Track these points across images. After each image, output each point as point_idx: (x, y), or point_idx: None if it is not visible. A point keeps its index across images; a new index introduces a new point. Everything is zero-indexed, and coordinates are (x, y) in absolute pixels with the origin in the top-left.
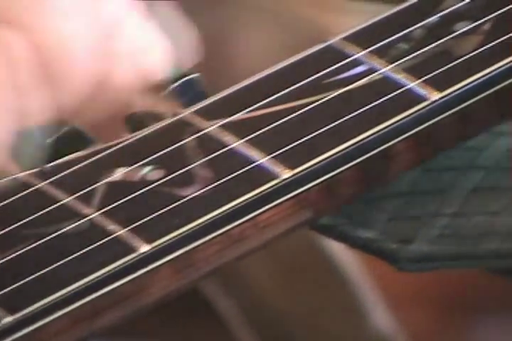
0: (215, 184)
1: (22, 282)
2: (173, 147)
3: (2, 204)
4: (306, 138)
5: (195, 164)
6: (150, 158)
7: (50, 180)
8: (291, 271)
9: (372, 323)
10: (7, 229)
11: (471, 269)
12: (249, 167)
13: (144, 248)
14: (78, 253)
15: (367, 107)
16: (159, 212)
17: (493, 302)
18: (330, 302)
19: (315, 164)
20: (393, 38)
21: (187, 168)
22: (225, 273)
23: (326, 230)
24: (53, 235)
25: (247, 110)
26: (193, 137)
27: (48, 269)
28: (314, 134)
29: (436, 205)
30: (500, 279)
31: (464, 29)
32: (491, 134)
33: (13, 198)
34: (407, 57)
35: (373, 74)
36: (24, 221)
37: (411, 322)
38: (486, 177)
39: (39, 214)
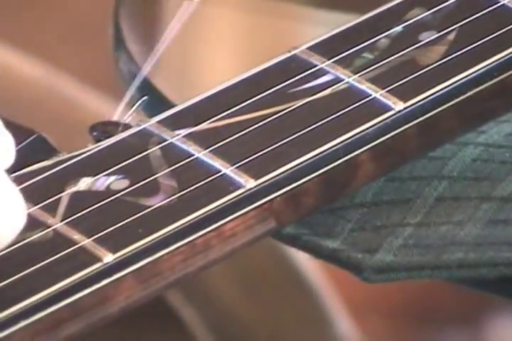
0: (180, 194)
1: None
2: (137, 157)
3: None
4: (270, 148)
5: (160, 174)
6: (114, 168)
7: None
8: (254, 280)
9: (335, 333)
10: None
11: (434, 280)
12: (214, 177)
13: (108, 258)
14: (42, 263)
15: (331, 117)
16: (124, 222)
17: (454, 311)
18: (294, 312)
19: (279, 174)
20: (358, 47)
21: (151, 178)
22: (189, 283)
23: (290, 240)
24: (17, 245)
25: (212, 120)
26: (157, 147)
27: (10, 280)
28: (279, 144)
29: (400, 215)
30: (463, 290)
31: (429, 39)
32: (455, 144)
33: None
34: (372, 67)
35: (338, 84)
36: None
37: (372, 331)
38: (450, 187)
39: None
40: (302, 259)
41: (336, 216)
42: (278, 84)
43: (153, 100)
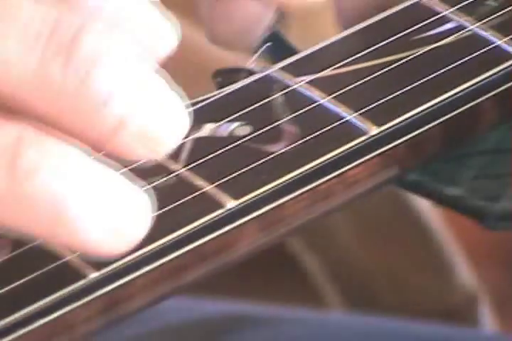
0: (303, 140)
1: None
2: (260, 103)
3: None
4: (393, 95)
5: (283, 120)
6: (238, 114)
7: None
8: (375, 227)
9: (455, 280)
10: None
11: None
12: (337, 123)
13: (231, 204)
14: (165, 209)
15: (454, 64)
16: (246, 168)
17: None
18: (414, 260)
19: (402, 121)
20: None
21: (274, 124)
22: (310, 231)
23: (412, 187)
24: (144, 188)
25: (335, 66)
26: (280, 93)
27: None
28: (401, 91)
29: None
30: None
31: None
32: None
33: None
34: (496, 15)
35: (461, 32)
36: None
37: (490, 278)
38: None
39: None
40: (423, 208)
41: (458, 163)
42: (401, 31)
43: (277, 47)
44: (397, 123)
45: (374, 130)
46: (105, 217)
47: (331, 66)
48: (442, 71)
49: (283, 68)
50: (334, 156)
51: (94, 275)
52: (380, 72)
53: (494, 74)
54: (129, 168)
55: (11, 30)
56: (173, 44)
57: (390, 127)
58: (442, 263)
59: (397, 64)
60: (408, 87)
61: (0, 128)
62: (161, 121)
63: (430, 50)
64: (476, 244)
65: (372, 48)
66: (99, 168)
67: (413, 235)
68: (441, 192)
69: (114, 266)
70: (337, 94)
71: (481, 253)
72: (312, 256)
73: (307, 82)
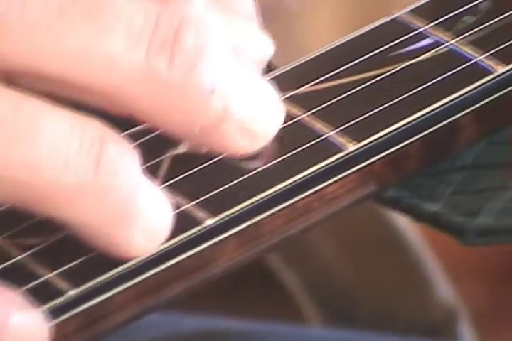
0: (281, 157)
1: (85, 257)
2: None
3: None
4: (371, 111)
5: None
6: None
7: None
8: (355, 243)
9: (435, 296)
10: None
11: None
12: (315, 140)
13: (209, 221)
14: None
15: (432, 80)
16: (225, 185)
17: None
18: (393, 275)
19: (380, 137)
20: (459, 11)
21: None
22: (289, 246)
23: (391, 203)
24: None
25: (313, 83)
26: None
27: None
28: (380, 107)
29: (501, 178)
30: None
31: None
32: None
33: None
34: (473, 31)
35: (439, 48)
36: None
37: (469, 294)
38: None
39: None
40: (402, 222)
41: (437, 179)
42: (379, 48)
43: None
44: (375, 140)
45: (352, 146)
46: (150, 220)
47: (308, 82)
48: (420, 87)
49: None
50: (312, 173)
51: (72, 292)
52: (357, 89)
53: (472, 90)
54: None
55: (116, 25)
56: (270, 51)
57: (367, 143)
58: (422, 279)
59: (375, 80)
60: (386, 103)
61: (83, 127)
62: (261, 113)
63: (407, 66)
64: (456, 259)
65: (350, 64)
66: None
67: (392, 250)
68: (419, 208)
69: (93, 282)
70: (315, 110)
71: (462, 269)
72: (291, 271)
73: (285, 99)
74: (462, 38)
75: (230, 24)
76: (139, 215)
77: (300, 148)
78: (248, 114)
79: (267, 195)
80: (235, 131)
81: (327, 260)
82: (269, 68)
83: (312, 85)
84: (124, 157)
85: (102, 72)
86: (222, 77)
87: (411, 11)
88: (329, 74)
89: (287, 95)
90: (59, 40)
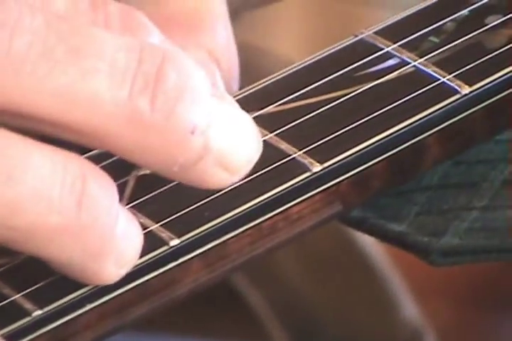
0: (246, 178)
1: (51, 278)
2: None
3: None
4: (337, 132)
5: None
6: None
7: None
8: (320, 263)
9: (400, 315)
10: None
11: (498, 262)
12: (280, 161)
13: (175, 241)
14: None
15: (398, 101)
16: (190, 205)
17: None
18: (359, 296)
19: (345, 158)
20: (424, 31)
21: None
22: (255, 266)
23: (356, 223)
24: None
25: (278, 103)
26: None
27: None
28: (345, 128)
29: (466, 198)
30: None
31: (495, 23)
32: None
33: None
34: (438, 51)
35: (404, 68)
36: None
37: (436, 314)
38: None
39: None
40: (367, 243)
41: (402, 199)
42: (344, 68)
43: None
44: (341, 160)
45: (317, 167)
46: (124, 250)
47: (274, 103)
48: (385, 107)
49: None
50: (278, 193)
51: (37, 313)
52: (323, 109)
53: (437, 110)
54: None
55: (100, 64)
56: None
57: (332, 164)
58: (387, 298)
59: (340, 100)
60: (352, 124)
61: (65, 165)
62: (240, 146)
63: (373, 86)
64: (421, 278)
65: (315, 85)
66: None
67: (358, 270)
68: (384, 229)
69: (58, 303)
70: (280, 131)
71: (427, 288)
72: (256, 291)
73: None
74: (427, 59)
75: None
76: (115, 249)
77: (265, 169)
78: (227, 149)
79: (233, 215)
80: (213, 166)
81: (292, 280)
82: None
83: (277, 106)
84: (104, 194)
85: (85, 111)
86: (203, 115)
87: (376, 31)
88: (294, 95)
89: (252, 115)
90: (43, 79)
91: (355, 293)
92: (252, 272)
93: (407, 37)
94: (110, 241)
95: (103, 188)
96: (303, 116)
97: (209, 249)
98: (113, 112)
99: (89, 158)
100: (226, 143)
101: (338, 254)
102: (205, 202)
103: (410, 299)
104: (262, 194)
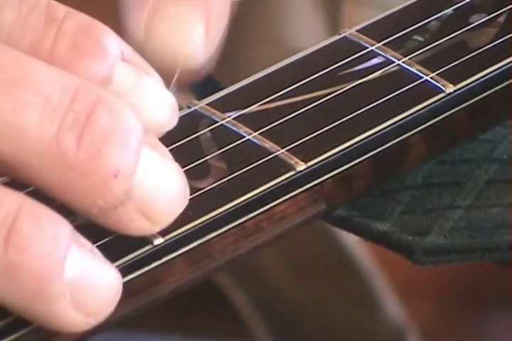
0: (230, 176)
1: None
2: (187, 139)
3: None
4: (320, 131)
5: (210, 156)
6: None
7: None
8: (304, 262)
9: (383, 315)
10: None
11: (483, 261)
12: (264, 159)
13: (158, 240)
14: (95, 245)
15: (382, 99)
16: None
17: (503, 294)
18: (343, 295)
19: (329, 156)
20: (408, 30)
21: (202, 160)
22: (239, 266)
23: (340, 222)
24: None
25: (262, 102)
26: (208, 129)
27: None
28: (329, 126)
29: (450, 198)
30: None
31: (479, 21)
32: (505, 127)
33: None
34: (422, 50)
35: (388, 67)
36: None
37: (420, 314)
38: (501, 170)
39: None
40: (351, 242)
41: (386, 198)
42: (328, 67)
43: (204, 83)
44: (325, 159)
45: (301, 166)
46: (84, 297)
47: (258, 102)
48: (369, 106)
49: (210, 104)
50: (262, 192)
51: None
52: (307, 108)
53: (421, 109)
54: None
55: (33, 99)
56: (172, 123)
57: (317, 163)
58: (370, 298)
59: (325, 99)
60: (335, 122)
61: (1, 199)
62: (163, 196)
63: (357, 85)
64: (406, 278)
65: (300, 83)
66: (88, 249)
67: (341, 269)
68: (369, 228)
69: None
70: (264, 129)
71: (412, 288)
72: (239, 289)
73: (234, 118)
74: (411, 58)
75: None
76: (64, 294)
77: (249, 168)
78: (150, 198)
79: (216, 215)
80: (134, 213)
81: (276, 279)
82: (218, 88)
83: (261, 104)
84: (40, 233)
85: (11, 143)
86: (129, 161)
87: (361, 29)
88: (279, 94)
89: (236, 114)
90: None
91: (339, 292)
92: (236, 271)
93: (392, 36)
94: (52, 284)
95: (40, 227)
96: (287, 115)
97: (193, 248)
98: (38, 148)
99: None
100: (149, 193)
101: (322, 253)
102: (189, 201)
103: (394, 298)
104: (246, 193)
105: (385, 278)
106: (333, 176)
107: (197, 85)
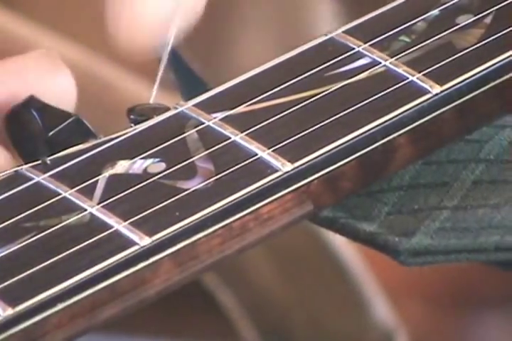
0: (216, 177)
1: (22, 275)
2: (174, 140)
3: (2, 197)
4: (307, 131)
5: (197, 157)
6: (152, 151)
7: (52, 172)
8: (292, 264)
9: (372, 316)
10: (8, 222)
11: (471, 262)
12: (251, 160)
13: (145, 241)
14: (79, 247)
15: (368, 100)
16: (160, 205)
17: (492, 295)
18: (331, 296)
19: (316, 157)
20: (394, 31)
21: (188, 161)
22: (226, 266)
23: (327, 223)
24: (54, 228)
25: (249, 103)
26: (194, 130)
27: (48, 262)
28: (315, 127)
29: (437, 198)
30: (499, 273)
31: (466, 22)
32: (492, 127)
33: (14, 191)
34: (409, 51)
35: (375, 68)
36: (25, 214)
37: (408, 314)
38: (488, 170)
39: (40, 207)
40: (339, 243)
41: (372, 199)
42: (315, 68)
43: (190, 83)
44: (311, 160)
45: (288, 166)
46: None
47: (244, 102)
48: (356, 107)
49: (197, 105)
50: (248, 193)
51: (8, 312)
52: (294, 108)
53: (408, 110)
54: (42, 206)
55: None
56: None
57: (303, 163)
58: (359, 300)
59: (311, 100)
60: (322, 123)
61: None
62: None
63: (344, 86)
64: (395, 280)
65: (286, 85)
66: None
67: (329, 270)
68: (355, 229)
69: (29, 303)
70: (250, 130)
71: (401, 290)
72: (227, 291)
73: (220, 119)
74: (398, 58)
75: None
76: None
77: (236, 168)
78: None
79: (203, 215)
80: None
81: (264, 281)
82: (204, 88)
83: (248, 105)
84: None
85: None
86: None
87: (347, 30)
88: (265, 95)
89: (223, 115)
90: None
91: (327, 293)
92: (224, 272)
93: (378, 36)
94: None
95: None
96: (274, 116)
97: (179, 249)
98: None
99: (55, 160)
100: None
101: (310, 254)
102: (176, 202)
103: (383, 300)
104: (233, 193)
105: (374, 280)
106: (319, 177)
107: (184, 86)
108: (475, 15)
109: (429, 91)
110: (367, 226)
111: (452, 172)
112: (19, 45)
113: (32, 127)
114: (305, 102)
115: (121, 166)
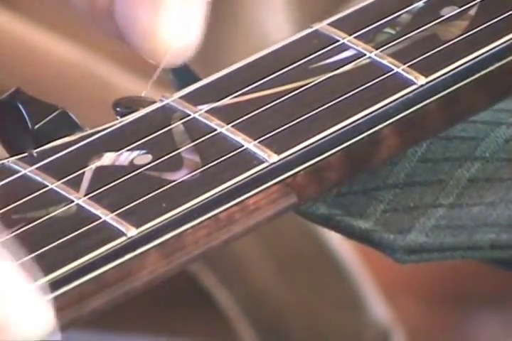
0: (203, 168)
1: None
2: (160, 132)
3: None
4: (293, 123)
5: (183, 149)
6: (138, 143)
7: (38, 164)
8: (288, 262)
9: (368, 314)
10: None
11: (466, 260)
12: (236, 152)
13: (132, 232)
14: (66, 238)
15: (353, 92)
16: (147, 197)
17: (487, 293)
18: (327, 294)
19: (302, 149)
20: (379, 23)
21: (174, 153)
22: (223, 266)
23: (323, 220)
24: (41, 220)
25: (234, 95)
26: (180, 122)
27: (35, 253)
28: (301, 119)
29: (433, 196)
30: (495, 270)
31: (450, 14)
32: (487, 124)
33: (1, 183)
34: (393, 43)
35: (360, 59)
36: (12, 206)
37: (404, 312)
38: (483, 168)
39: (27, 198)
40: (336, 242)
41: (368, 196)
42: (300, 60)
43: (184, 76)
44: (297, 151)
45: (274, 158)
46: None
47: (230, 94)
48: (341, 98)
49: (183, 97)
50: (234, 184)
51: None
52: (279, 100)
53: (393, 101)
54: (28, 198)
55: None
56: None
57: (289, 155)
58: (356, 299)
59: (297, 92)
60: (307, 115)
61: None
62: (22, 315)
63: (329, 77)
64: (390, 277)
65: (272, 76)
66: None
67: (326, 269)
68: (351, 226)
69: None
70: (236, 122)
71: (398, 288)
72: (225, 291)
73: (206, 111)
74: (383, 50)
75: None
76: None
77: (222, 160)
78: (8, 316)
79: (190, 207)
80: None
81: (261, 280)
82: (191, 80)
83: (234, 97)
84: None
85: None
86: None
87: (332, 22)
88: (250, 87)
89: (209, 107)
90: None
91: (324, 292)
92: (221, 271)
93: (363, 28)
94: None
95: None
96: (259, 108)
97: (166, 240)
98: None
99: (42, 152)
100: (6, 314)
101: (307, 254)
102: (163, 193)
103: (379, 299)
104: (219, 185)
105: (371, 278)
106: (305, 168)
107: (183, 86)
108: (459, 7)
109: (414, 83)
110: (362, 223)
111: (448, 170)
112: (19, 45)
113: (18, 120)
114: (290, 94)
115: (108, 158)
